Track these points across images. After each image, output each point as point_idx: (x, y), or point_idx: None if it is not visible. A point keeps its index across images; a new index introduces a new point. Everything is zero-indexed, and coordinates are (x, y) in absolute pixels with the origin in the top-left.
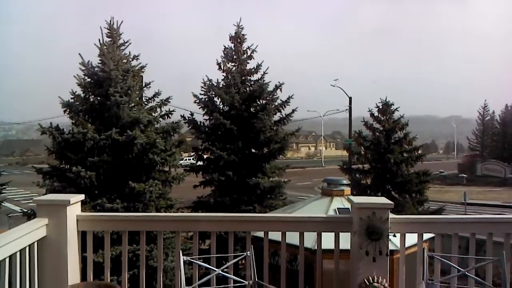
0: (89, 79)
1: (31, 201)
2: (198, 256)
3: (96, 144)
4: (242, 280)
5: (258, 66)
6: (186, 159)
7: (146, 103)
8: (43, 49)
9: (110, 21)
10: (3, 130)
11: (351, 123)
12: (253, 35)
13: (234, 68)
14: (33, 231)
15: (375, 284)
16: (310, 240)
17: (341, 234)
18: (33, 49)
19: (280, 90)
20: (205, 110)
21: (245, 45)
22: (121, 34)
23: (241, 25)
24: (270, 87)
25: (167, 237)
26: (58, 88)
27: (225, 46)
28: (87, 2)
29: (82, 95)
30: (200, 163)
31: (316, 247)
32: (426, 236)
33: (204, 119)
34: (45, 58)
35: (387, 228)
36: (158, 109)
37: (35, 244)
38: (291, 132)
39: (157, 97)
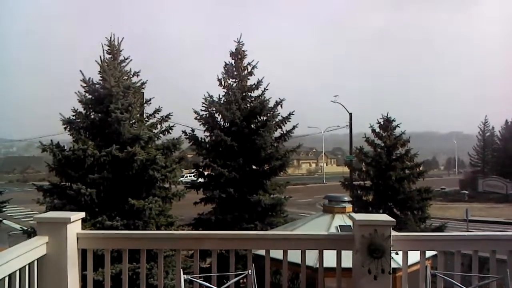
0: (90, 96)
1: (31, 218)
2: (198, 275)
3: (97, 161)
4: None
5: (259, 82)
6: (186, 176)
7: (146, 119)
8: (44, 59)
9: (110, 37)
10: (4, 147)
11: (352, 139)
12: (254, 48)
13: (234, 84)
14: (33, 249)
15: None
16: (311, 258)
17: (343, 252)
18: (33, 56)
19: (281, 106)
20: (206, 126)
21: (245, 61)
22: (121, 51)
23: (242, 41)
24: (271, 103)
25: (167, 255)
26: (59, 103)
27: (225, 62)
28: (89, 11)
29: (83, 111)
30: (200, 180)
31: (318, 265)
32: (429, 253)
33: (205, 135)
34: (45, 63)
35: (389, 246)
36: (159, 126)
37: (35, 262)
38: (292, 148)
39: (158, 114)
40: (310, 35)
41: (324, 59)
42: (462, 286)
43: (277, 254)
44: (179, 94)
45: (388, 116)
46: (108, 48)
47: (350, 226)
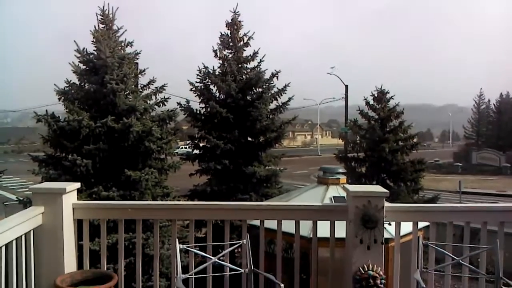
0: (84, 66)
1: (27, 189)
2: (194, 244)
3: (92, 132)
4: (238, 268)
5: (255, 54)
6: (182, 148)
7: (141, 90)
8: (37, 30)
9: (103, 6)
10: None
11: (347, 111)
12: (249, 19)
13: (230, 56)
14: (29, 219)
15: (370, 272)
16: (305, 228)
17: (336, 222)
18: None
19: (277, 78)
20: (201, 98)
21: (241, 32)
22: (115, 20)
23: (238, 12)
24: (267, 75)
25: (163, 225)
26: (54, 74)
27: (221, 33)
28: None
29: (78, 82)
30: (196, 151)
31: (311, 236)
32: (421, 224)
33: (200, 107)
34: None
35: (382, 217)
36: (154, 97)
37: (31, 232)
38: (287, 120)
39: (152, 84)
40: (308, 8)
41: (322, 31)
42: (454, 256)
43: (271, 224)
44: (173, 65)
45: (383, 88)
46: (102, 17)
47: (344, 197)
